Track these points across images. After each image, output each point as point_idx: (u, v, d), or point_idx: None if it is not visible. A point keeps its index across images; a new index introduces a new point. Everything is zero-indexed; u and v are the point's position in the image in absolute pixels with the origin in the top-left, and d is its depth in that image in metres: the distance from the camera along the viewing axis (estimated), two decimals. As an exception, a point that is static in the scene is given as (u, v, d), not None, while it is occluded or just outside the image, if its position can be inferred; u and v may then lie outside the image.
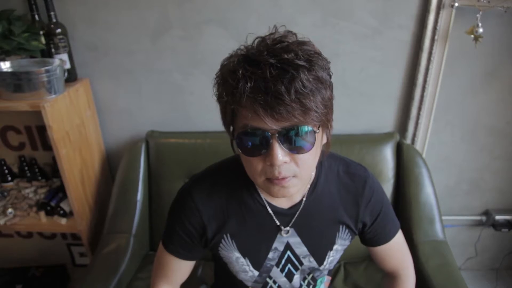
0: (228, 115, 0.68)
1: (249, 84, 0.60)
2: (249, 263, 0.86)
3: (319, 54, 0.66)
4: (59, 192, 1.57)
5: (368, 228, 0.87)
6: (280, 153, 0.64)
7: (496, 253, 1.93)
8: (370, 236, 0.89)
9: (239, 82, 0.61)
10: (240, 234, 0.84)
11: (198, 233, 0.84)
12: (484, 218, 1.81)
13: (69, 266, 1.94)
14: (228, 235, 0.84)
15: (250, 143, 0.65)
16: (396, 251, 0.94)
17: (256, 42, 0.66)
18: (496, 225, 1.77)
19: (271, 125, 0.62)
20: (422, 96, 1.53)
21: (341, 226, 0.86)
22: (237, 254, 0.85)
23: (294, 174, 0.68)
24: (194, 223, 0.83)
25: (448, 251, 1.34)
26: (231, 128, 0.69)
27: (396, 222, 0.92)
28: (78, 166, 1.47)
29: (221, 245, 0.85)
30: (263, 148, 0.65)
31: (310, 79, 0.61)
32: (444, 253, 1.33)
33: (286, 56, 0.60)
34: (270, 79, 0.59)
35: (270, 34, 0.67)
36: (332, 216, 0.85)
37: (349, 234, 0.87)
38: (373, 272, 1.42)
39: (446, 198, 1.76)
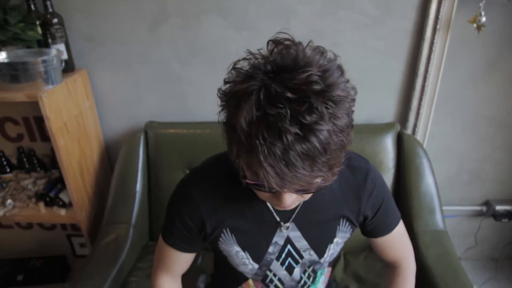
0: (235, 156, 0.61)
1: (266, 152, 0.54)
2: (249, 257, 0.86)
3: (347, 96, 0.58)
4: (58, 183, 1.56)
5: (370, 220, 0.87)
6: (289, 199, 0.65)
7: (496, 243, 1.93)
8: (371, 228, 0.89)
9: (254, 149, 0.54)
10: (240, 228, 0.83)
11: (197, 227, 0.83)
12: (484, 208, 1.81)
13: (70, 257, 1.95)
14: (228, 229, 0.83)
15: (255, 185, 0.64)
16: (396, 242, 0.93)
17: (273, 87, 0.54)
18: (496, 215, 1.77)
19: (283, 191, 0.61)
20: (423, 86, 1.51)
21: (341, 220, 0.85)
22: (237, 248, 0.85)
23: (299, 201, 0.71)
24: (193, 217, 0.82)
25: (448, 240, 1.34)
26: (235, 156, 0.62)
27: (397, 213, 0.91)
28: (77, 157, 1.47)
29: (220, 239, 0.84)
30: (272, 192, 0.65)
31: (333, 138, 0.55)
32: (444, 242, 1.33)
33: (309, 119, 0.53)
34: (289, 150, 0.53)
35: (291, 69, 0.56)
36: (333, 210, 0.84)
37: (349, 227, 0.87)
38: (373, 262, 1.43)
39: (447, 189, 1.76)
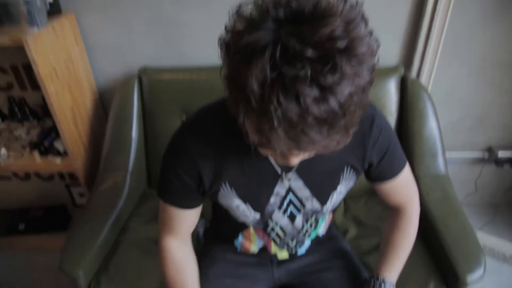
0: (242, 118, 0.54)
1: (280, 117, 0.48)
2: (250, 208, 0.83)
3: (372, 52, 0.52)
4: (52, 132, 1.53)
5: (375, 166, 0.83)
6: (296, 159, 0.62)
7: (496, 189, 1.93)
8: (376, 173, 0.86)
9: (267, 113, 0.49)
10: (239, 181, 0.80)
11: (195, 182, 0.79)
12: (486, 154, 1.79)
13: (70, 207, 1.96)
14: (226, 182, 0.79)
15: (262, 146, 0.59)
16: (401, 186, 0.91)
17: (291, 43, 0.47)
18: (498, 161, 1.76)
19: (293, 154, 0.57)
20: (429, 28, 1.43)
21: (346, 167, 0.82)
22: (237, 201, 0.82)
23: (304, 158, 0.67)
24: (190, 172, 0.77)
25: (449, 185, 1.33)
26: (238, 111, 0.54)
27: (403, 157, 0.88)
28: (69, 104, 1.42)
29: (220, 193, 0.81)
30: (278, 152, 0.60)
31: (354, 99, 0.50)
32: (446, 187, 1.32)
33: (330, 80, 0.47)
34: (307, 114, 0.48)
35: (309, 19, 0.49)
36: (337, 158, 0.79)
37: (354, 174, 0.84)
38: (373, 206, 1.43)
39: (449, 134, 1.72)
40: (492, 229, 1.81)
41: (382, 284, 0.91)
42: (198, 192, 0.81)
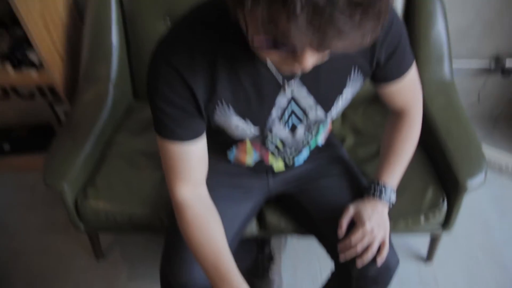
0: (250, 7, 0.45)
1: (304, 1, 0.40)
2: (250, 124, 0.76)
3: None
4: (23, 42, 1.40)
5: (382, 65, 0.75)
6: (311, 59, 0.51)
7: (499, 100, 1.87)
8: (383, 73, 0.78)
9: (285, 3, 0.40)
10: (236, 96, 0.71)
11: (190, 102, 0.69)
12: (493, 63, 1.70)
13: (56, 126, 1.89)
14: (222, 100, 0.70)
15: (271, 45, 0.48)
16: (407, 87, 0.84)
17: None
18: (505, 71, 1.67)
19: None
20: None
21: (353, 68, 0.74)
22: (235, 119, 0.74)
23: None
24: (181, 91, 0.67)
25: (454, 91, 1.27)
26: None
27: (411, 56, 0.80)
28: (38, 9, 1.28)
29: (216, 113, 0.72)
30: (289, 50, 0.49)
31: None
32: (450, 93, 1.26)
33: None
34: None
35: None
36: (344, 59, 0.72)
37: (361, 76, 0.76)
38: (372, 114, 1.37)
39: (455, 42, 1.61)
40: (491, 141, 1.79)
41: (383, 189, 0.88)
42: (196, 114, 0.72)
